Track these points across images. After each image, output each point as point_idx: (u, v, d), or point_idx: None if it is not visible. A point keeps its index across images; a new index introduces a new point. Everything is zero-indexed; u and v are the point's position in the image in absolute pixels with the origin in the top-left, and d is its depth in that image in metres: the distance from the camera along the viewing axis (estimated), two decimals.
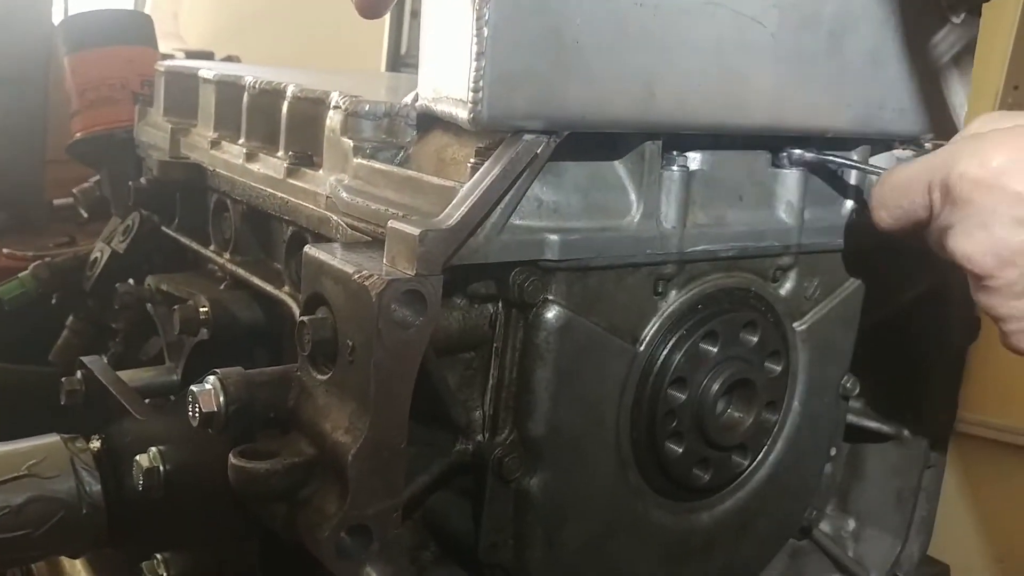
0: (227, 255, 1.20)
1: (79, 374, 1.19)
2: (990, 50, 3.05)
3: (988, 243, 0.76)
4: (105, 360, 1.32)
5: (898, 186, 0.84)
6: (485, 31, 0.71)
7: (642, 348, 0.89)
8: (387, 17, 3.47)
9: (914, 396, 1.12)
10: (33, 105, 2.14)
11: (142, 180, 1.34)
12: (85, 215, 1.68)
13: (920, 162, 0.83)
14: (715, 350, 0.92)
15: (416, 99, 0.89)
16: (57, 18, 2.19)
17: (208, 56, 2.68)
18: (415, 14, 3.58)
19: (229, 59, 2.70)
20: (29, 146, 2.13)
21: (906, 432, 1.13)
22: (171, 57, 2.51)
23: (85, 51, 1.56)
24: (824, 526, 1.18)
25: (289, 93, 1.09)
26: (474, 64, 0.72)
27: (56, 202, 2.09)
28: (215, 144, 1.24)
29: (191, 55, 2.62)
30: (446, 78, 0.78)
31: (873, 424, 1.13)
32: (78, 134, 1.57)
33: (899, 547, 1.17)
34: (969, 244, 0.77)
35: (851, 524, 1.20)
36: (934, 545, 1.26)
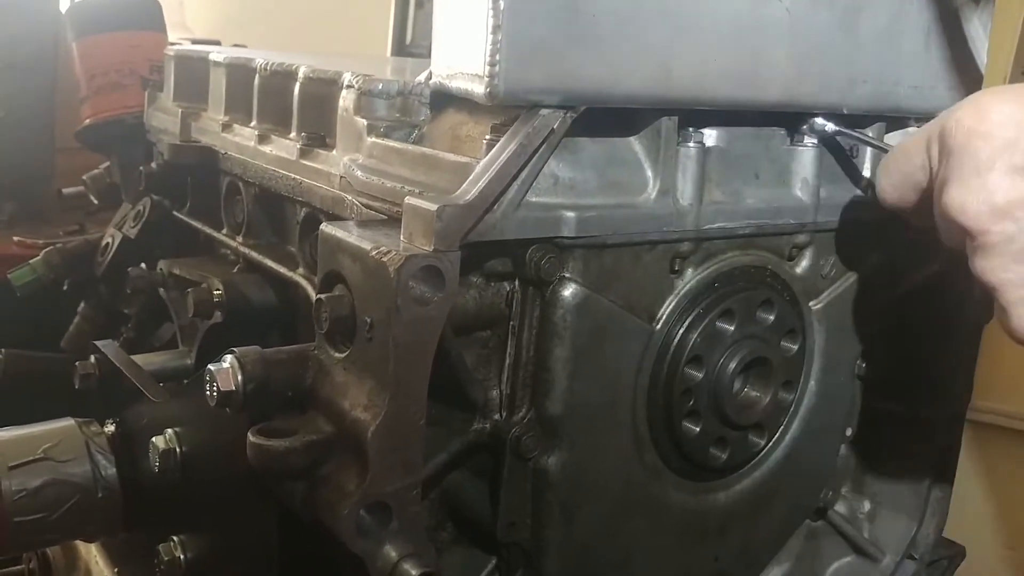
0: (240, 238, 1.20)
1: (93, 358, 1.19)
2: (999, 36, 3.03)
3: (983, 193, 0.72)
4: (117, 344, 1.32)
5: (899, 152, 0.83)
6: (501, 4, 0.71)
7: (659, 326, 0.89)
8: (392, 6, 3.47)
9: (930, 376, 1.11)
10: (41, 94, 2.14)
11: (153, 165, 1.34)
12: (95, 202, 1.68)
13: (922, 128, 0.81)
14: (732, 329, 0.91)
15: (430, 77, 0.88)
16: (64, 5, 2.19)
17: (215, 44, 2.68)
18: (420, 4, 3.58)
19: (235, 48, 2.70)
20: (38, 135, 2.13)
21: (922, 412, 1.13)
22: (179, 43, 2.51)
23: (93, 36, 1.55)
24: (840, 507, 1.17)
25: (301, 74, 1.08)
26: (490, 38, 0.72)
27: (65, 191, 2.08)
28: (226, 127, 1.23)
29: (197, 43, 2.62)
30: (461, 54, 0.78)
31: (889, 404, 1.13)
32: (87, 120, 1.57)
33: (915, 528, 1.17)
34: (963, 193, 0.73)
35: (867, 505, 1.19)
36: (944, 531, 1.26)
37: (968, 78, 1.04)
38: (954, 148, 0.74)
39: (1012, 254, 0.73)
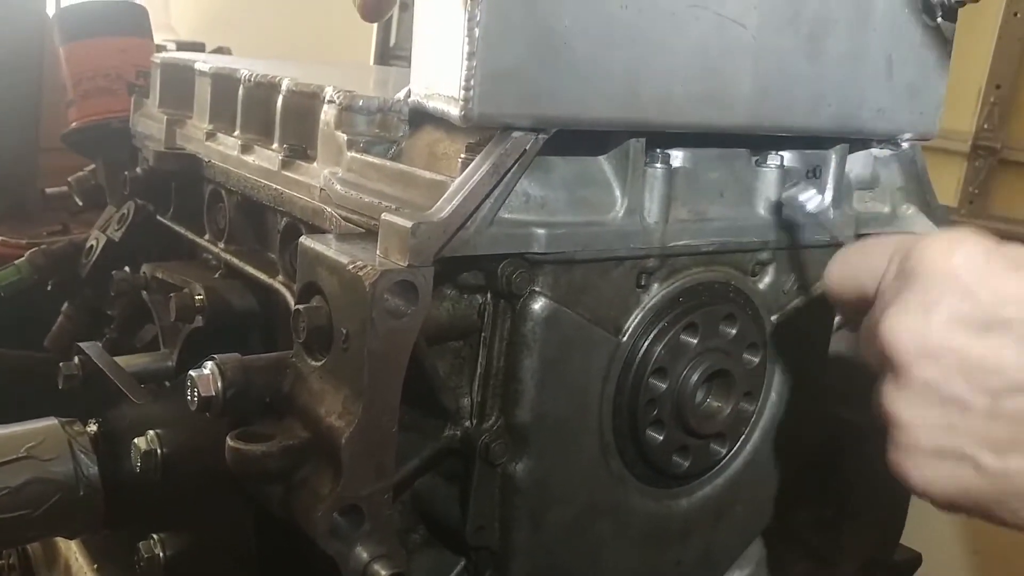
0: (221, 244, 1.22)
1: (76, 359, 1.22)
2: (973, 49, 3.10)
3: (920, 328, 0.70)
4: (101, 346, 1.35)
5: (860, 248, 0.80)
6: (476, 31, 0.74)
7: (625, 339, 0.92)
8: None
9: None
10: (27, 94, 2.15)
11: (138, 170, 1.36)
12: (80, 203, 1.70)
13: (896, 236, 0.79)
14: (695, 341, 0.95)
15: (408, 95, 0.92)
16: (51, 8, 2.21)
17: (199, 47, 2.71)
18: (404, 7, 3.59)
19: (220, 50, 2.73)
20: (22, 134, 2.15)
21: (881, 423, 1.16)
22: (163, 48, 2.53)
23: (80, 41, 1.58)
24: (801, 514, 1.21)
25: (284, 87, 1.11)
26: (465, 63, 0.75)
27: (48, 190, 2.10)
28: (210, 135, 1.26)
29: (182, 46, 2.64)
30: (438, 76, 0.81)
31: (848, 414, 1.16)
32: (74, 123, 1.59)
33: (874, 535, 1.21)
34: (902, 322, 0.71)
35: (828, 512, 1.23)
36: (911, 536, 1.29)
37: (929, 102, 1.07)
38: (909, 275, 0.72)
39: (924, 398, 0.70)
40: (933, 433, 0.70)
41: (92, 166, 1.68)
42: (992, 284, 0.69)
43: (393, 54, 3.82)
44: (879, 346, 0.72)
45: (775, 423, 1.07)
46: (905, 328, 0.71)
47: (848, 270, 0.80)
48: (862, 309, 0.78)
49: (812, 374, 1.09)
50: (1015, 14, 3.05)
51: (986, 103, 3.13)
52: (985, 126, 3.18)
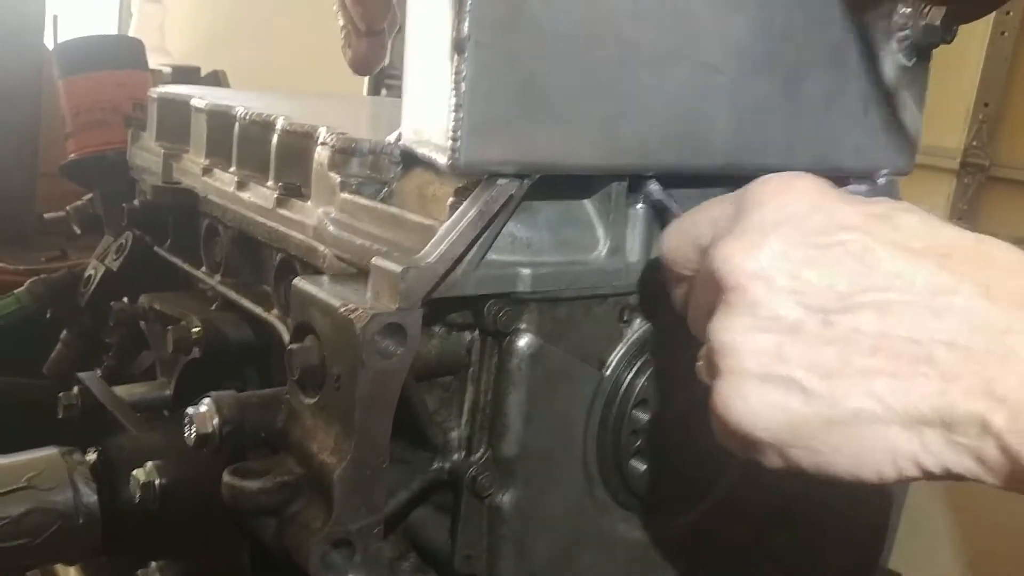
0: (218, 277, 1.25)
1: (76, 389, 1.25)
2: (962, 68, 3.15)
3: (753, 251, 0.69)
4: (99, 373, 1.38)
5: (702, 205, 0.81)
6: (463, 86, 0.78)
7: (608, 372, 0.95)
8: None
9: None
10: (25, 120, 2.19)
11: (136, 202, 1.39)
12: (78, 231, 1.73)
13: (704, 213, 0.80)
14: None
15: (399, 138, 0.95)
16: (49, 37, 2.24)
17: (195, 71, 2.74)
18: (399, 28, 3.62)
19: (215, 74, 2.76)
20: (21, 160, 2.18)
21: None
22: (159, 72, 2.56)
23: (79, 75, 1.61)
24: (780, 536, 1.24)
25: (279, 126, 1.15)
26: (452, 115, 0.79)
27: (47, 216, 2.13)
28: (207, 171, 1.29)
29: (177, 71, 2.68)
30: (426, 124, 0.85)
31: None
32: (72, 155, 1.62)
33: (853, 557, 1.24)
34: (735, 246, 0.70)
35: (806, 534, 1.26)
36: (907, 553, 1.33)
37: (905, 138, 1.11)
38: (745, 208, 0.73)
39: (755, 320, 0.68)
40: (762, 359, 0.67)
41: (90, 195, 1.71)
42: (826, 211, 0.69)
43: (388, 74, 3.86)
44: (712, 276, 0.71)
45: None
46: (739, 251, 0.69)
47: (685, 227, 0.80)
48: (679, 283, 0.79)
49: None
50: (1002, 33, 3.11)
51: (975, 121, 3.18)
52: (974, 143, 3.23)
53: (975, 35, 3.01)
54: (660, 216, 0.94)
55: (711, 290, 0.72)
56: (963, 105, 3.18)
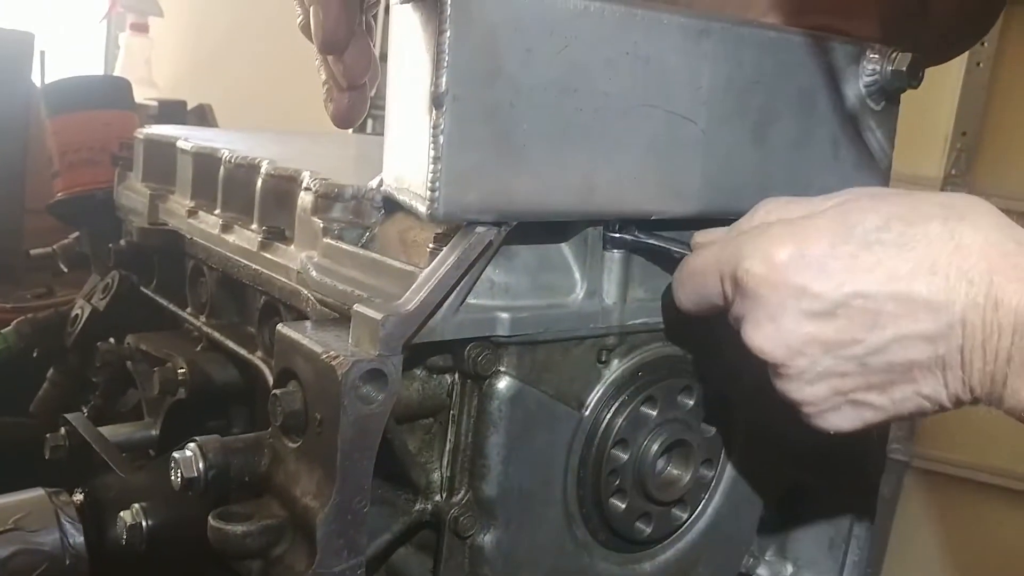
0: (203, 318, 1.27)
1: (63, 430, 1.26)
2: (940, 98, 3.20)
3: (777, 335, 0.82)
4: (85, 412, 1.39)
5: (694, 274, 0.90)
6: (440, 139, 0.80)
7: (587, 412, 0.97)
8: None
9: (844, 452, 1.20)
10: (13, 156, 2.20)
11: (122, 242, 1.41)
12: (65, 269, 1.75)
13: (713, 251, 0.89)
14: (655, 413, 1.00)
15: (381, 184, 0.98)
16: (36, 73, 2.26)
17: (181, 105, 2.76)
18: (383, 57, 3.65)
19: (201, 108, 2.78)
20: (8, 196, 2.19)
21: (837, 483, 1.22)
22: (145, 107, 2.58)
23: (67, 115, 1.63)
24: (762, 571, 1.26)
25: (263, 170, 1.17)
26: (431, 167, 0.81)
27: (33, 252, 2.14)
28: (192, 213, 1.31)
29: (164, 105, 2.70)
30: (407, 173, 0.87)
31: (806, 477, 1.22)
32: (59, 194, 1.64)
33: None
34: (760, 336, 0.83)
35: (789, 569, 1.28)
36: (899, 561, 1.34)
37: (876, 179, 1.13)
38: (747, 294, 0.83)
39: (807, 380, 0.84)
40: (828, 399, 0.84)
41: (76, 234, 1.73)
42: (819, 275, 0.80)
43: (373, 104, 3.89)
44: (754, 356, 0.85)
45: (735, 487, 1.12)
46: (765, 339, 0.83)
47: (694, 297, 0.91)
48: (718, 312, 0.90)
49: (771, 438, 1.14)
50: (978, 64, 3.16)
51: (953, 149, 3.23)
52: (953, 171, 3.27)
53: (951, 66, 3.05)
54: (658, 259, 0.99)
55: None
56: (942, 134, 3.23)
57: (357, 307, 0.83)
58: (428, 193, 0.82)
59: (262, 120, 3.57)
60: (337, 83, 0.95)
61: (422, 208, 0.84)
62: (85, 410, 1.46)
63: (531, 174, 0.86)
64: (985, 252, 0.78)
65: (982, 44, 3.05)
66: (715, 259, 0.88)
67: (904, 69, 1.05)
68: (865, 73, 1.07)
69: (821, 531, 1.25)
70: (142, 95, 2.67)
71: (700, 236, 0.96)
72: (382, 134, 0.93)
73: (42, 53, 2.32)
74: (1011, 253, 0.78)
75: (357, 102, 0.97)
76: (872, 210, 0.83)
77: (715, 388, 1.05)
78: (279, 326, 0.87)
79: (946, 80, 3.15)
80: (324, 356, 0.80)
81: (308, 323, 0.90)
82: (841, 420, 0.86)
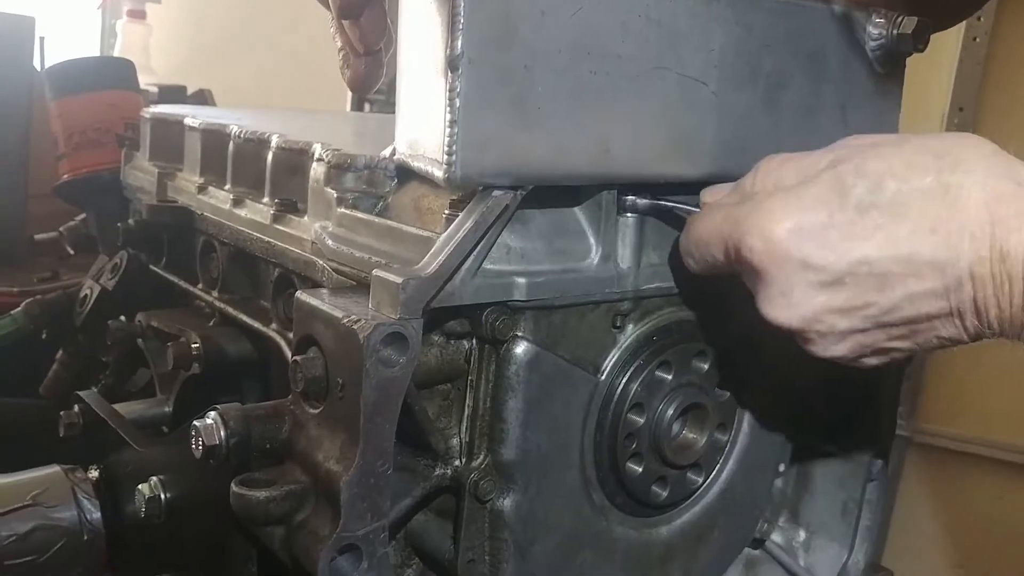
0: (215, 293, 1.27)
1: (76, 408, 1.26)
2: (936, 73, 3.20)
3: (791, 308, 0.84)
4: (96, 392, 1.40)
5: (700, 240, 0.91)
6: (457, 102, 0.80)
7: (603, 377, 0.98)
8: None
9: (856, 414, 1.21)
10: (16, 141, 2.19)
11: (131, 221, 1.41)
12: (71, 251, 1.75)
13: (716, 220, 0.89)
14: (669, 377, 1.01)
15: (394, 152, 0.98)
16: (37, 55, 2.26)
17: (181, 90, 2.76)
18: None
19: (201, 92, 2.78)
20: (12, 182, 2.19)
21: (849, 448, 1.23)
22: (145, 92, 2.57)
23: (71, 97, 1.63)
24: (776, 536, 1.27)
25: (273, 143, 1.17)
26: (447, 131, 0.81)
27: (37, 237, 2.14)
28: (202, 189, 1.31)
29: (164, 90, 2.69)
30: (421, 139, 0.87)
31: (819, 442, 1.22)
32: (65, 176, 1.64)
33: (846, 555, 1.26)
34: (775, 310, 0.85)
35: (802, 535, 1.29)
36: (894, 551, 1.35)
37: None
38: (754, 270, 0.85)
39: (831, 342, 0.87)
40: (855, 351, 0.87)
41: (83, 216, 1.73)
42: (820, 247, 0.82)
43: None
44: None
45: (748, 451, 1.12)
46: (779, 313, 0.85)
47: (703, 263, 0.92)
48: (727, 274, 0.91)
49: (783, 403, 1.15)
50: (974, 39, 3.16)
51: (950, 125, 3.22)
52: None
53: (948, 40, 3.05)
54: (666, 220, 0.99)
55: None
56: (938, 109, 3.23)
57: (377, 272, 0.83)
58: (445, 157, 0.82)
59: (261, 106, 3.56)
60: (353, 48, 0.95)
61: (439, 173, 0.84)
62: (95, 390, 1.46)
63: (546, 137, 0.86)
64: (984, 202, 0.78)
65: (978, 18, 3.04)
66: (717, 230, 0.88)
67: (910, 32, 1.05)
68: (871, 37, 1.07)
69: (834, 496, 1.26)
70: (141, 82, 2.65)
71: (707, 195, 0.96)
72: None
73: (41, 39, 2.31)
74: (1010, 197, 0.78)
75: (373, 67, 0.97)
76: (864, 172, 0.83)
77: (729, 351, 1.06)
78: (298, 293, 0.87)
79: (943, 55, 3.14)
80: (345, 320, 0.80)
81: (325, 290, 0.91)
82: (873, 362, 0.89)
